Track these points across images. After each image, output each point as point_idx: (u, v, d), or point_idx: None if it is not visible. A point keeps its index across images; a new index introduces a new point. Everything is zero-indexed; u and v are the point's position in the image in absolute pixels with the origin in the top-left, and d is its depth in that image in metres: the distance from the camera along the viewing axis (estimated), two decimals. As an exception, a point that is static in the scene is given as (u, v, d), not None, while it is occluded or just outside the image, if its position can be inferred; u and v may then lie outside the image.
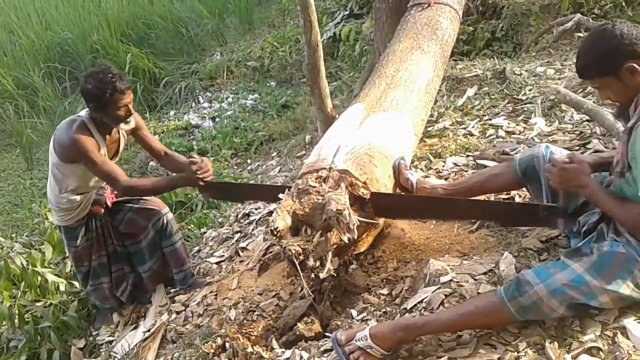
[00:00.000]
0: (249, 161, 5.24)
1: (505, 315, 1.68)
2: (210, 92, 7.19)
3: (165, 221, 2.94)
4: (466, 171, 2.84)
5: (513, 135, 3.09)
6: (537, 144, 2.44)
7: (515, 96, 3.55)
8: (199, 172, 2.59)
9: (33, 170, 6.45)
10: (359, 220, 2.14)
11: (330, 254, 2.10)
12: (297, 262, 2.09)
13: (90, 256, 2.93)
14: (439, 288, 2.01)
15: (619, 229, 1.75)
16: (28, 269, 3.44)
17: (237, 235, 3.36)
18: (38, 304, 3.27)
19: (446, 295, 1.96)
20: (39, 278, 3.39)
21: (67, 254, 3.53)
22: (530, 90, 3.56)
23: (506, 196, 2.52)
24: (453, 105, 3.66)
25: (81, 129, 2.55)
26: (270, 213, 2.37)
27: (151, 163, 5.55)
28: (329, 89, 3.74)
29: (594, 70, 1.74)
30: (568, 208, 1.97)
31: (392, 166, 2.49)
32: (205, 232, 3.74)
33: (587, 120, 3.00)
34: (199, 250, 3.51)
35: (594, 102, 3.05)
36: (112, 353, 2.83)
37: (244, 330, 2.40)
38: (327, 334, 2.15)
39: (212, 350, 2.34)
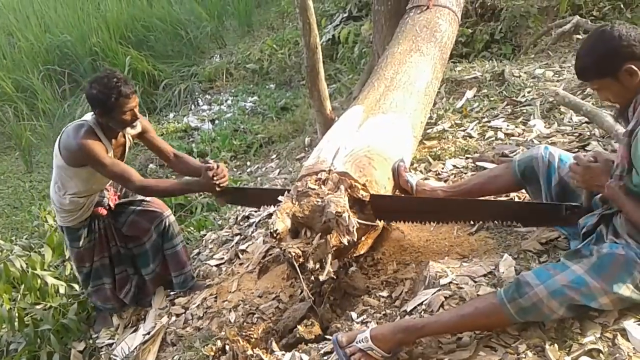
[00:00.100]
0: (248, 163, 5.24)
1: (505, 317, 1.68)
2: (209, 95, 7.20)
3: (167, 223, 2.94)
4: (465, 173, 2.84)
5: (512, 137, 3.09)
6: (536, 145, 2.45)
7: (514, 98, 3.55)
8: (215, 178, 2.58)
9: (32, 172, 6.44)
10: (358, 223, 2.14)
11: (329, 256, 2.10)
12: (296, 265, 2.09)
13: (92, 257, 2.93)
14: (439, 290, 2.01)
15: (618, 231, 1.75)
16: (28, 271, 3.44)
17: (237, 238, 3.36)
18: (38, 306, 3.26)
19: (446, 298, 1.96)
20: (39, 281, 3.38)
21: (67, 256, 3.54)
22: (529, 92, 3.56)
23: (505, 198, 2.53)
24: (452, 108, 3.66)
25: (89, 134, 2.55)
26: (270, 215, 2.37)
27: (151, 165, 5.55)
28: (328, 91, 3.74)
29: (592, 71, 1.74)
30: (592, 207, 1.95)
31: (391, 168, 2.50)
32: (205, 235, 3.74)
33: (586, 122, 3.01)
34: (198, 253, 3.51)
35: (593, 103, 3.05)
36: (112, 356, 2.83)
37: (243, 333, 2.40)
38: (327, 336, 2.16)
39: (212, 353, 2.33)
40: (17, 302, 3.29)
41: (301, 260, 2.09)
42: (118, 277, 3.02)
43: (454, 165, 2.94)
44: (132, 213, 2.92)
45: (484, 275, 2.03)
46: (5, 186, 6.28)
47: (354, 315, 2.19)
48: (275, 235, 2.09)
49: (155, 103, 7.17)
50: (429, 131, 3.37)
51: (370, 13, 5.59)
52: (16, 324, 3.17)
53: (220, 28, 8.62)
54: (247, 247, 3.14)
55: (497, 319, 1.71)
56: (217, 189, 2.59)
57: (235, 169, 5.20)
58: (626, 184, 1.71)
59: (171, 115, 6.90)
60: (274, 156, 5.06)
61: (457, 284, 2.01)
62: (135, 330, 2.95)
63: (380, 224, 2.42)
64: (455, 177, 2.84)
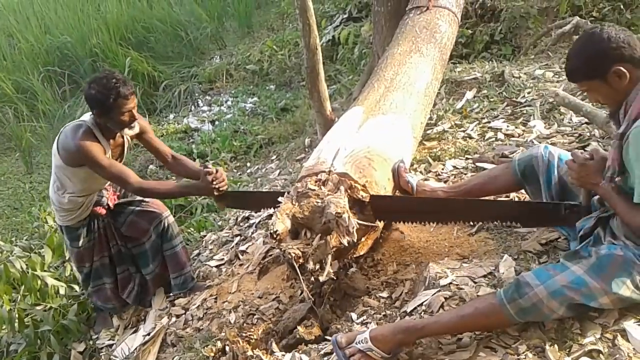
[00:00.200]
0: (248, 164, 5.24)
1: (505, 317, 1.68)
2: (209, 96, 7.20)
3: (166, 224, 2.94)
4: (465, 174, 2.84)
5: (512, 138, 3.09)
6: (536, 145, 2.45)
7: (514, 99, 3.55)
8: (214, 182, 2.58)
9: (32, 174, 6.45)
10: (358, 223, 2.14)
11: (329, 257, 2.10)
12: (296, 266, 2.09)
13: (92, 257, 2.93)
14: (439, 291, 2.01)
15: (615, 233, 1.76)
16: (28, 272, 3.44)
17: (237, 239, 3.36)
18: (38, 307, 3.26)
19: (446, 298, 1.96)
20: (39, 282, 3.39)
21: (67, 257, 3.54)
22: (529, 93, 3.56)
23: (505, 198, 2.53)
24: (452, 108, 3.66)
25: (86, 135, 2.55)
26: (270, 216, 2.37)
27: (150, 167, 5.55)
28: (328, 92, 3.74)
29: (582, 73, 1.75)
30: (591, 206, 1.95)
31: (391, 169, 2.50)
32: (205, 236, 3.74)
33: (586, 123, 3.01)
34: (198, 254, 3.51)
35: (592, 104, 3.05)
36: (112, 357, 2.83)
37: (244, 334, 2.40)
38: (327, 337, 2.16)
39: (212, 354, 2.33)
40: (17, 303, 3.29)
41: (301, 261, 2.09)
42: (120, 277, 3.02)
43: (454, 166, 2.94)
44: (131, 213, 2.92)
45: (484, 276, 2.03)
46: (6, 187, 6.29)
47: (354, 316, 2.19)
48: (275, 236, 2.09)
49: (155, 104, 7.18)
50: (428, 132, 3.38)
51: (370, 14, 5.59)
52: (16, 324, 3.17)
53: (220, 29, 8.63)
54: (247, 248, 3.15)
55: (497, 320, 1.71)
56: (216, 193, 2.60)
57: (235, 170, 5.20)
58: (622, 186, 1.72)
59: (171, 116, 6.91)
60: (274, 157, 5.06)
61: (457, 285, 2.01)
62: (135, 331, 2.95)
63: (380, 224, 2.42)
64: (455, 177, 2.84)
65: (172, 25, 8.29)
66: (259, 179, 4.53)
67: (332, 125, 3.05)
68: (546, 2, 4.83)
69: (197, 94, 7.22)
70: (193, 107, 7.03)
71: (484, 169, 2.76)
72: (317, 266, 2.11)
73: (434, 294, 2.00)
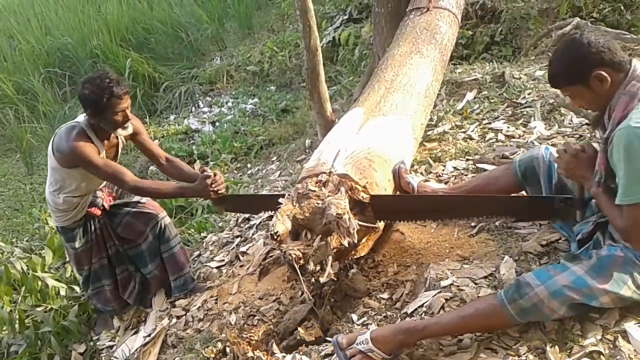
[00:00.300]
0: (249, 165, 5.24)
1: (506, 318, 1.68)
2: (210, 97, 7.19)
3: (162, 225, 2.94)
4: (466, 175, 2.84)
5: (512, 139, 3.09)
6: (536, 146, 2.46)
7: (514, 100, 3.55)
8: (213, 186, 2.59)
9: (33, 175, 6.46)
10: (359, 225, 2.14)
11: (330, 258, 2.10)
12: (297, 267, 2.09)
13: (90, 259, 2.93)
14: (440, 292, 2.01)
15: (614, 237, 1.78)
16: (28, 273, 3.44)
17: (238, 240, 3.36)
18: (38, 308, 3.26)
19: (447, 300, 1.96)
20: (40, 283, 3.39)
21: (67, 259, 3.53)
22: (529, 94, 3.56)
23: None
24: (452, 109, 3.66)
25: (80, 136, 2.55)
26: (271, 217, 2.37)
27: (151, 167, 5.54)
28: (328, 93, 3.74)
29: (563, 78, 1.77)
30: (584, 199, 1.95)
31: (392, 170, 2.50)
32: (205, 237, 3.74)
33: (586, 124, 3.01)
34: (199, 255, 3.51)
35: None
36: (112, 358, 2.83)
37: (244, 335, 2.40)
38: (327, 338, 2.16)
39: (213, 355, 2.34)
40: (18, 304, 3.29)
41: (302, 262, 2.09)
42: (120, 277, 3.02)
43: (454, 167, 2.94)
44: (127, 214, 2.93)
45: (485, 277, 2.03)
46: (6, 188, 6.29)
47: (354, 317, 2.19)
48: (275, 237, 2.09)
49: (155, 105, 7.18)
50: (429, 133, 3.38)
51: (370, 15, 5.59)
52: (17, 326, 3.17)
53: (221, 30, 8.63)
54: (247, 249, 3.15)
55: (498, 320, 1.71)
56: (214, 196, 2.61)
57: (235, 171, 5.20)
58: (613, 187, 1.72)
59: (172, 117, 6.91)
60: (275, 158, 5.05)
61: (457, 286, 2.01)
62: (135, 332, 2.95)
63: (381, 225, 2.42)
64: (455, 178, 2.84)
65: (172, 26, 8.30)
66: (259, 180, 4.53)
67: (332, 127, 3.05)
68: (546, 3, 4.83)
69: (197, 95, 7.21)
70: (193, 108, 7.03)
71: (485, 170, 2.76)
72: (318, 267, 2.11)
73: (435, 295, 2.00)
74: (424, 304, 2.01)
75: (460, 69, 4.34)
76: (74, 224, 2.84)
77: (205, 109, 6.91)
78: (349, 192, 2.22)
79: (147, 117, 6.90)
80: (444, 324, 1.78)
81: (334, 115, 3.74)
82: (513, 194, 2.31)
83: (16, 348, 3.11)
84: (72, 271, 3.46)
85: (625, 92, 1.66)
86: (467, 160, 2.98)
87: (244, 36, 8.38)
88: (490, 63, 4.38)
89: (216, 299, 2.81)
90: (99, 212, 2.88)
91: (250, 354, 2.23)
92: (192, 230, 3.93)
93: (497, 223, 2.38)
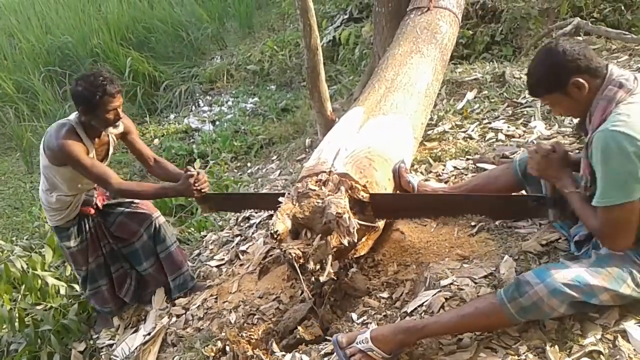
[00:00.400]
0: (249, 164, 5.25)
1: (506, 317, 1.68)
2: (210, 96, 7.20)
3: (157, 225, 2.94)
4: (466, 174, 2.84)
5: (513, 139, 3.09)
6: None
7: (514, 100, 3.55)
8: (196, 184, 2.60)
9: (33, 173, 6.45)
10: (358, 224, 2.14)
11: (330, 257, 2.10)
12: (297, 266, 2.09)
13: (87, 259, 2.93)
14: (440, 291, 2.01)
15: None
16: (28, 272, 3.45)
17: (237, 239, 3.36)
18: (38, 307, 3.27)
19: (446, 299, 1.96)
20: (39, 281, 3.39)
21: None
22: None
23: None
24: (453, 109, 3.66)
25: (69, 134, 2.56)
26: (271, 217, 2.37)
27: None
28: (328, 93, 3.74)
29: (542, 87, 1.80)
30: (556, 198, 1.99)
31: (392, 169, 2.50)
32: (205, 236, 3.74)
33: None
34: (199, 254, 3.51)
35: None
36: (112, 356, 2.83)
37: (244, 334, 2.40)
38: (327, 337, 2.16)
39: (213, 354, 2.34)
40: (18, 303, 3.29)
41: (301, 261, 2.09)
42: (115, 275, 3.02)
43: (454, 167, 2.94)
44: (120, 214, 2.93)
45: (485, 277, 2.03)
46: (6, 187, 6.30)
47: (354, 316, 2.19)
48: (275, 236, 2.09)
49: (156, 104, 7.18)
50: (429, 132, 3.38)
51: (370, 15, 5.59)
52: (17, 324, 3.17)
53: (221, 29, 8.64)
54: (247, 248, 3.15)
55: (498, 319, 1.71)
56: (197, 194, 2.62)
57: (235, 170, 5.20)
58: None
59: (172, 116, 6.91)
60: (275, 157, 5.06)
61: (457, 285, 2.01)
62: (135, 331, 2.95)
63: (381, 224, 2.42)
64: (455, 178, 2.84)
65: (173, 25, 8.30)
66: (259, 179, 4.53)
67: (332, 126, 3.05)
68: (547, 3, 4.83)
69: (197, 94, 7.22)
70: (194, 107, 7.04)
71: (485, 169, 2.76)
72: (318, 266, 2.11)
73: (435, 294, 2.01)
74: (423, 303, 2.01)
75: (461, 68, 4.34)
76: (68, 223, 2.84)
77: (206, 108, 6.92)
78: (349, 191, 2.22)
79: (148, 115, 6.91)
80: (443, 323, 1.78)
81: (334, 115, 3.74)
82: (487, 194, 2.34)
83: (16, 346, 3.12)
84: (72, 270, 3.46)
85: (603, 97, 1.69)
86: (467, 159, 2.98)
87: (245, 35, 8.38)
88: (491, 63, 4.38)
89: (216, 298, 2.81)
90: (92, 211, 2.89)
91: (250, 353, 2.23)
92: (192, 229, 3.93)
93: (497, 222, 2.38)
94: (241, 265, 3.02)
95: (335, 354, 1.88)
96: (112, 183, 2.59)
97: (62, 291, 3.37)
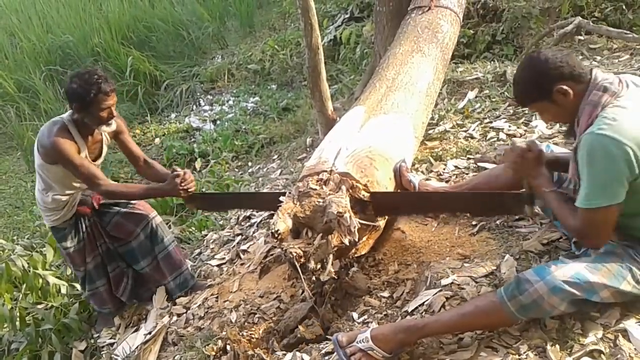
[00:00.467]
0: (250, 164, 5.25)
1: (506, 315, 1.68)
2: (211, 95, 7.20)
3: (154, 225, 2.94)
4: (467, 174, 2.84)
5: (514, 138, 3.09)
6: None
7: (515, 99, 3.55)
8: (183, 184, 2.61)
9: (34, 172, 6.39)
10: (359, 223, 2.14)
11: (331, 256, 2.10)
12: (298, 265, 2.09)
13: (85, 259, 2.93)
14: (440, 291, 2.01)
15: (614, 235, 1.77)
16: (29, 271, 3.45)
17: (238, 238, 3.36)
18: (39, 306, 3.27)
19: (447, 298, 1.96)
20: (40, 280, 3.39)
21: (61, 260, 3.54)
22: (530, 93, 3.55)
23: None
24: (454, 108, 3.66)
25: (61, 132, 2.56)
26: (271, 216, 2.38)
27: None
28: (329, 92, 3.74)
29: (528, 97, 1.83)
30: (532, 195, 2.01)
31: (393, 169, 2.50)
32: (206, 235, 3.74)
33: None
34: (200, 253, 3.51)
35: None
36: (113, 355, 2.83)
37: (245, 333, 2.40)
38: (328, 336, 2.16)
39: (213, 353, 2.34)
40: (19, 302, 3.30)
41: (302, 260, 2.09)
42: (112, 275, 3.02)
43: (455, 166, 2.94)
44: (116, 214, 2.93)
45: (486, 276, 2.03)
46: (7, 186, 6.30)
47: (355, 315, 2.19)
48: (276, 235, 2.09)
49: (157, 103, 7.18)
50: (430, 132, 3.37)
51: (371, 14, 5.59)
52: (18, 323, 3.18)
53: (222, 29, 8.63)
54: (248, 247, 3.15)
55: (498, 318, 1.71)
56: (184, 194, 2.63)
57: (236, 170, 5.20)
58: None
59: (173, 115, 6.91)
60: (276, 157, 5.06)
61: (458, 285, 2.01)
62: (136, 330, 2.95)
63: (381, 223, 2.42)
64: (456, 177, 2.84)
65: (173, 24, 8.30)
66: (260, 179, 4.53)
67: (333, 125, 3.05)
68: (548, 2, 4.83)
69: (198, 94, 7.22)
70: (195, 107, 7.04)
71: (486, 168, 2.75)
72: (319, 265, 2.11)
73: (435, 293, 2.01)
74: (424, 302, 2.01)
75: (462, 67, 4.33)
76: (65, 224, 2.85)
77: (207, 107, 6.92)
78: (350, 191, 2.22)
79: (149, 115, 6.92)
80: (444, 322, 1.78)
81: (335, 114, 3.74)
82: (466, 192, 2.38)
83: (17, 345, 3.12)
84: (72, 270, 3.47)
85: (588, 101, 1.71)
86: (468, 159, 2.98)
87: (245, 34, 8.38)
88: (492, 62, 4.37)
89: (217, 297, 2.81)
90: (88, 211, 2.89)
91: (250, 352, 2.23)
92: (193, 228, 3.93)
93: (497, 222, 2.38)
94: (242, 264, 3.02)
95: (335, 353, 1.88)
96: (99, 184, 2.60)
97: (63, 290, 3.37)
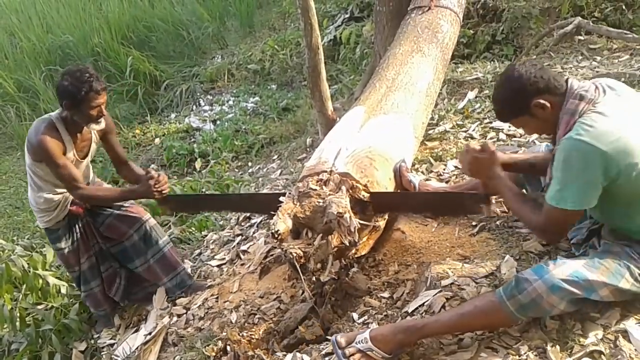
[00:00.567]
0: (249, 164, 5.25)
1: (505, 315, 1.68)
2: (211, 95, 7.20)
3: (148, 228, 2.94)
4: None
5: (514, 139, 3.09)
6: (537, 145, 2.46)
7: (515, 99, 3.54)
8: (157, 186, 2.62)
9: (31, 173, 6.44)
10: (359, 223, 2.14)
11: (331, 257, 2.11)
12: (298, 265, 2.10)
13: (79, 260, 2.93)
14: (440, 291, 2.01)
15: (609, 237, 1.80)
16: (29, 271, 3.44)
17: (238, 238, 3.36)
18: (39, 306, 3.27)
19: (447, 299, 1.96)
20: (40, 281, 3.39)
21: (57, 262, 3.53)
22: (530, 93, 3.55)
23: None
24: (454, 108, 3.66)
25: (49, 130, 2.57)
26: (272, 216, 2.38)
27: (152, 166, 5.56)
28: (329, 92, 3.74)
29: (507, 113, 1.88)
30: (489, 195, 2.07)
31: (393, 169, 2.50)
32: (206, 235, 3.74)
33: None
34: (200, 253, 3.51)
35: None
36: (113, 356, 2.83)
37: (245, 334, 2.40)
38: (328, 337, 2.16)
39: (214, 354, 2.34)
40: (19, 302, 3.29)
41: (302, 260, 2.10)
42: (105, 275, 3.02)
43: (455, 166, 2.94)
44: (109, 216, 2.93)
45: (486, 277, 2.03)
46: (7, 186, 6.30)
47: (355, 316, 2.19)
48: (276, 235, 2.09)
49: (156, 103, 7.18)
50: (430, 132, 3.37)
51: (371, 14, 5.59)
52: (18, 323, 3.17)
53: (222, 29, 8.63)
54: (248, 248, 3.15)
55: (497, 318, 1.71)
56: (157, 196, 2.65)
57: (236, 170, 5.20)
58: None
59: (173, 115, 6.91)
60: (276, 157, 5.06)
61: (458, 285, 2.01)
62: (136, 331, 2.95)
63: (382, 224, 2.42)
64: (456, 178, 2.84)
65: (173, 24, 8.29)
66: (260, 179, 4.53)
67: (333, 125, 3.05)
68: (548, 2, 4.83)
69: (198, 94, 7.21)
70: (194, 107, 7.03)
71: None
72: (319, 266, 2.11)
73: (436, 294, 2.00)
74: (424, 303, 2.01)
75: (462, 68, 4.34)
76: (58, 224, 2.84)
77: (206, 108, 6.91)
78: (350, 191, 2.22)
79: (148, 115, 6.91)
80: (443, 322, 1.78)
81: (335, 114, 3.74)
82: (428, 191, 2.44)
83: (17, 346, 3.12)
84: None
85: (565, 111, 1.74)
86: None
87: (245, 34, 8.37)
88: (492, 62, 4.38)
89: (217, 298, 2.81)
90: (81, 210, 2.89)
91: (250, 353, 2.23)
92: (193, 229, 3.93)
93: (497, 222, 2.38)
94: (242, 264, 3.02)
95: (334, 354, 1.88)
96: (77, 187, 2.62)
97: (63, 291, 3.37)
